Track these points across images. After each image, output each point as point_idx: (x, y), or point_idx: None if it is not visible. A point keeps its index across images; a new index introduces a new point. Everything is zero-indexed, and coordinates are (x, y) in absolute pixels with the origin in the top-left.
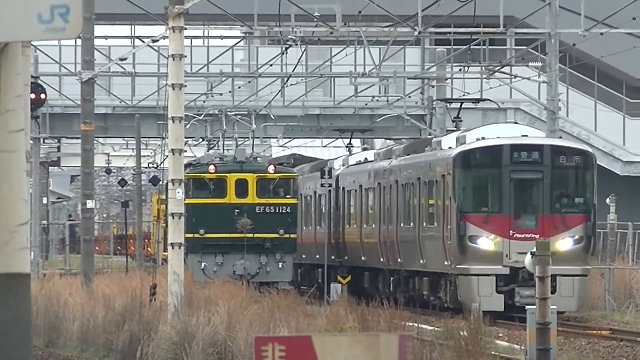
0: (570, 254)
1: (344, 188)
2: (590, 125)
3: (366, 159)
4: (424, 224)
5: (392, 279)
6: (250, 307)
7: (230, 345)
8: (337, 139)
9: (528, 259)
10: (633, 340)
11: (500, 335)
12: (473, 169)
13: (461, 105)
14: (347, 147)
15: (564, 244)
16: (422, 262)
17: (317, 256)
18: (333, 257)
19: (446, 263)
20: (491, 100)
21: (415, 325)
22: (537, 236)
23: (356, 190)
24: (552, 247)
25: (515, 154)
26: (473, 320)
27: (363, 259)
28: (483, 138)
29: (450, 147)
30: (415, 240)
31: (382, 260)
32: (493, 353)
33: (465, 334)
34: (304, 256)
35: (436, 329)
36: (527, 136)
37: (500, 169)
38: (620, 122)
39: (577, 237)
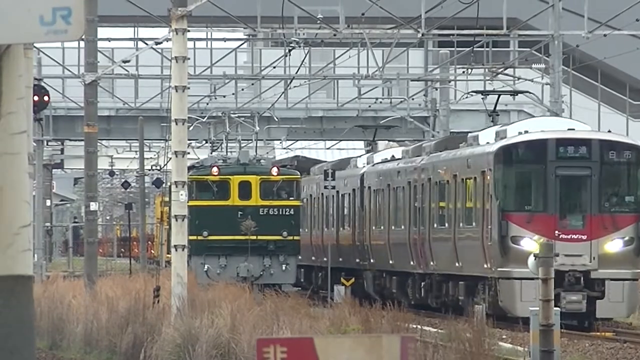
0: (620, 256)
1: (369, 187)
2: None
3: (393, 156)
4: (460, 224)
5: (422, 283)
6: (253, 309)
7: (234, 347)
8: (341, 140)
9: (531, 260)
10: (636, 342)
11: (504, 336)
12: (515, 165)
13: (498, 98)
14: (370, 144)
15: (613, 245)
16: (457, 265)
17: (340, 259)
18: (357, 260)
19: (485, 266)
20: (530, 92)
21: (419, 327)
22: (585, 237)
23: (383, 190)
24: (600, 249)
25: (561, 149)
26: (476, 321)
27: (390, 262)
28: (525, 131)
29: (488, 142)
30: (450, 242)
31: (411, 263)
32: (496, 355)
33: (469, 335)
34: (324, 259)
35: (439, 330)
36: (573, 129)
37: (545, 165)
38: (623, 123)
39: (627, 238)
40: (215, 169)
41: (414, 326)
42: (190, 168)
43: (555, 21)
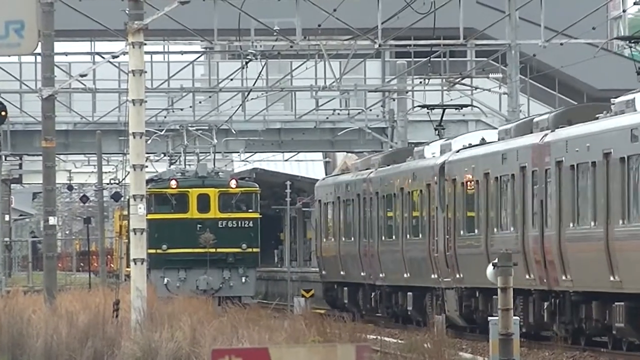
0: None
1: (453, 180)
2: None
3: (483, 139)
4: (620, 222)
5: (546, 304)
6: (213, 321)
7: None
8: (299, 152)
9: (489, 269)
10: (597, 349)
11: (464, 346)
12: None
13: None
14: (435, 129)
15: None
16: (613, 278)
17: (406, 275)
18: (434, 276)
19: None
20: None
21: (379, 337)
22: None
23: (477, 181)
24: None
25: None
26: (436, 332)
27: None
28: None
29: None
30: (597, 246)
31: (528, 277)
32: None
33: (429, 346)
34: (381, 275)
35: (399, 341)
36: None
37: None
38: None
39: None
40: (173, 182)
41: (374, 337)
42: (148, 181)
43: (512, 31)
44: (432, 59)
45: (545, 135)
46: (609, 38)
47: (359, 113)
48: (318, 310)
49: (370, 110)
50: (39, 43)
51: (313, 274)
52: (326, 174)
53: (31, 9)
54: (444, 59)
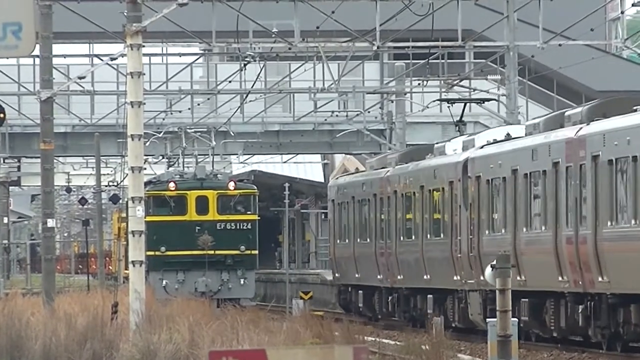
0: None
1: (477, 177)
2: None
3: (508, 134)
4: None
5: (580, 307)
6: (211, 323)
7: None
8: (298, 154)
9: (488, 271)
10: (595, 351)
11: (462, 348)
12: None
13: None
14: (456, 124)
15: None
16: None
17: (426, 277)
18: (456, 278)
19: None
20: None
21: (377, 339)
22: None
23: (504, 178)
24: None
25: None
26: (435, 333)
27: (519, 278)
28: None
29: None
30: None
31: (560, 279)
32: None
33: (427, 347)
34: (399, 277)
35: (398, 343)
36: None
37: None
38: None
39: None
40: (172, 184)
41: (372, 339)
42: (147, 183)
43: (510, 32)
44: (430, 61)
45: (580, 128)
46: (624, 40)
47: (357, 115)
48: (316, 312)
49: (369, 112)
50: (37, 45)
51: (311, 275)
52: (324, 176)
53: (29, 10)
54: (443, 61)
